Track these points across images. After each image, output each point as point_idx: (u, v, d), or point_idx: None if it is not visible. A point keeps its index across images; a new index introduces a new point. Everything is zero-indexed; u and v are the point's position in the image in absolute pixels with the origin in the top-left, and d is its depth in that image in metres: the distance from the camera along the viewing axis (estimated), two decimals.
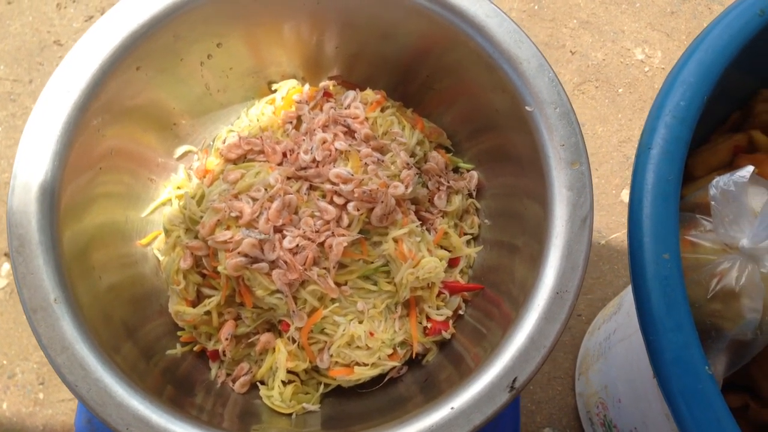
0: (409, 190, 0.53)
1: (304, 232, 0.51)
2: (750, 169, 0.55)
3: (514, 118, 0.52)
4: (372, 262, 0.52)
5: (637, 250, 0.53)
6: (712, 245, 0.57)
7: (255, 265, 0.51)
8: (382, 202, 0.51)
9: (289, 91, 0.60)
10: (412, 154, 0.56)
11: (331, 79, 0.60)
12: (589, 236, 0.48)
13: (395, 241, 0.52)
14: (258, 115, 0.59)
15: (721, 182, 0.55)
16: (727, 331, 0.57)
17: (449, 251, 0.55)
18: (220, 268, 0.52)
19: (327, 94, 0.58)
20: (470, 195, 0.58)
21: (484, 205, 0.58)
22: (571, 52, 1.18)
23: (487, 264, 0.56)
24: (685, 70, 0.58)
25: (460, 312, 0.55)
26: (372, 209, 0.51)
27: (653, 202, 0.54)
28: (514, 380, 0.44)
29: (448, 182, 0.56)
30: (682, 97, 0.57)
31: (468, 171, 0.59)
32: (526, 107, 0.51)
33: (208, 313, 0.54)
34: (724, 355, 0.58)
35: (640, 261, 0.53)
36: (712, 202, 0.55)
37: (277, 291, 0.51)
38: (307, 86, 0.60)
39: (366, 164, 0.52)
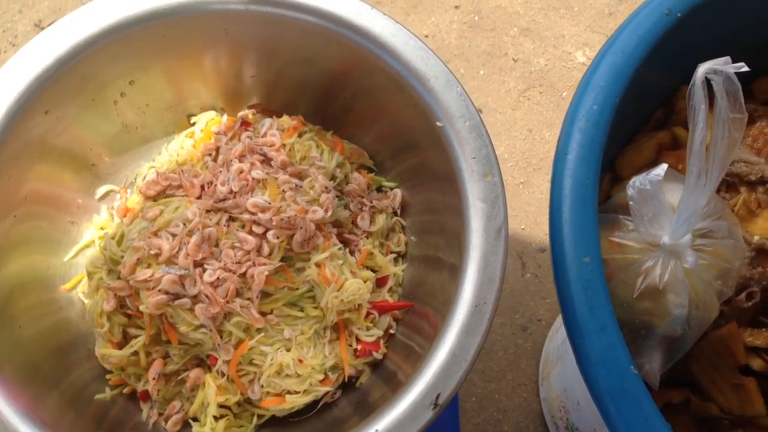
0: (329, 213, 0.53)
1: (225, 264, 0.51)
2: (664, 167, 0.56)
3: (427, 134, 0.53)
4: (297, 289, 0.52)
5: (558, 254, 0.54)
6: (635, 244, 0.57)
7: (177, 302, 0.50)
8: (302, 227, 0.51)
9: (208, 123, 0.60)
10: (333, 177, 0.57)
11: (250, 107, 0.61)
12: (505, 246, 0.48)
13: (318, 265, 0.52)
14: (177, 150, 0.59)
15: (637, 182, 0.56)
16: (657, 327, 0.57)
17: (376, 271, 0.56)
18: (141, 308, 0.52)
19: (245, 124, 0.58)
20: (395, 213, 0.58)
21: (410, 222, 0.59)
22: (513, 59, 1.20)
23: (416, 280, 0.56)
24: (596, 74, 0.59)
25: (391, 331, 0.55)
26: (292, 236, 0.52)
27: (572, 207, 0.55)
28: (437, 397, 0.44)
29: (371, 202, 0.56)
30: (594, 101, 0.58)
31: (392, 189, 0.59)
32: (437, 123, 0.51)
33: (135, 353, 0.53)
34: (658, 352, 0.59)
35: (562, 265, 0.53)
36: (631, 203, 0.56)
37: (202, 326, 0.51)
38: (225, 117, 0.60)
39: (284, 191, 0.53)
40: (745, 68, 0.50)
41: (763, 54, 0.72)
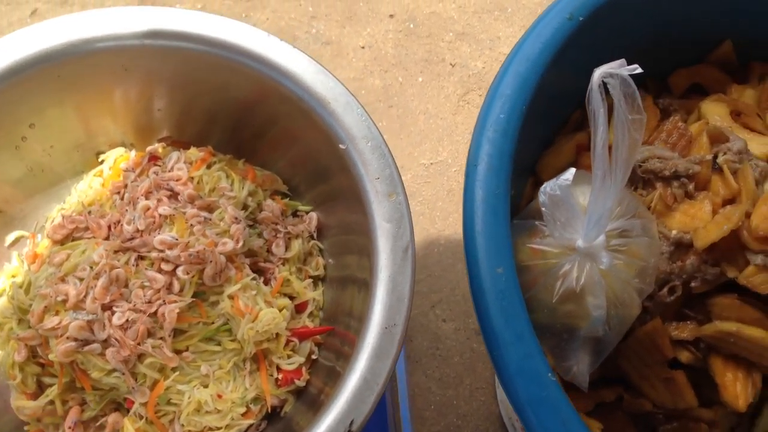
0: (240, 244, 0.52)
1: (135, 305, 0.50)
2: (572, 171, 0.56)
3: (334, 157, 0.52)
4: (212, 323, 0.52)
5: (472, 266, 0.54)
6: (553, 249, 0.58)
7: (87, 348, 0.50)
8: (211, 261, 0.51)
9: (117, 160, 0.59)
10: (244, 207, 0.56)
11: (160, 141, 0.60)
12: (413, 266, 0.48)
13: (231, 298, 0.51)
14: (86, 190, 0.59)
15: (548, 188, 0.56)
16: (580, 329, 0.58)
17: (294, 297, 0.55)
18: (51, 356, 0.51)
19: (154, 158, 0.58)
20: (312, 237, 0.58)
21: (327, 244, 0.59)
22: (451, 64, 1.20)
23: (336, 303, 0.56)
24: (503, 83, 0.59)
25: (314, 356, 0.54)
26: (203, 270, 0.51)
27: (483, 218, 0.55)
28: (351, 423, 0.44)
29: (286, 228, 0.56)
30: (501, 110, 0.58)
31: (307, 213, 0.59)
32: (340, 145, 0.51)
33: (51, 402, 0.53)
34: (584, 353, 0.59)
35: (477, 276, 0.53)
36: (543, 209, 0.56)
37: (114, 370, 0.50)
38: (133, 153, 0.59)
39: (192, 225, 0.52)
40: (639, 70, 0.51)
41: (677, 48, 0.73)
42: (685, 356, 0.61)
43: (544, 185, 0.56)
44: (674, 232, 0.62)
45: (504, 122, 0.57)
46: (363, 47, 1.20)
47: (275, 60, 0.52)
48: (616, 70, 0.51)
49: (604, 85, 0.52)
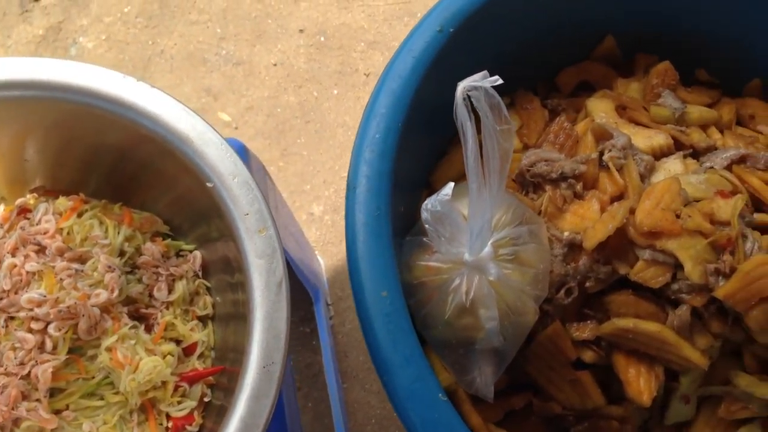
0: (115, 294, 0.51)
1: (6, 368, 0.49)
2: (451, 185, 0.56)
3: (205, 195, 0.51)
4: (93, 378, 0.50)
5: (357, 291, 0.53)
6: (443, 265, 0.57)
7: None
8: (84, 315, 0.49)
9: None
10: (121, 253, 0.55)
11: (32, 192, 0.58)
12: (288, 300, 0.47)
13: (109, 350, 0.50)
14: None
15: (429, 204, 0.55)
16: (478, 341, 0.57)
17: (181, 341, 0.54)
18: None
19: (24, 211, 0.56)
20: (197, 276, 0.57)
21: (213, 282, 0.57)
22: (365, 74, 1.20)
23: (226, 341, 0.55)
24: (377, 101, 0.59)
25: (206, 399, 0.53)
26: (77, 324, 0.49)
27: (365, 242, 0.54)
28: None
29: (168, 270, 0.55)
30: (376, 129, 0.57)
31: (191, 252, 0.58)
32: (207, 183, 0.50)
33: None
34: (485, 364, 0.59)
35: (362, 301, 0.53)
36: (426, 225, 0.55)
37: None
38: (2, 207, 0.57)
39: (62, 279, 0.51)
40: (499, 81, 0.50)
41: (562, 48, 0.73)
42: (588, 356, 0.62)
43: (425, 202, 0.56)
44: (566, 233, 0.62)
45: (380, 142, 0.57)
46: (275, 64, 1.19)
47: (133, 101, 0.51)
48: (478, 83, 0.51)
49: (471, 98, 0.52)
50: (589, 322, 0.62)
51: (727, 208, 0.59)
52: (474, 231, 0.54)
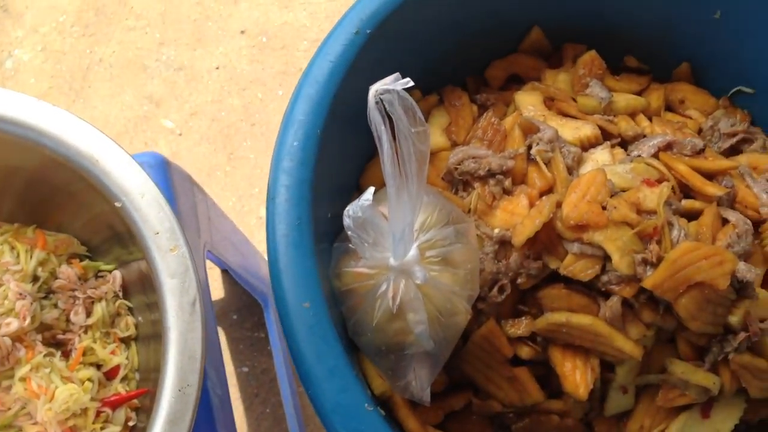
0: (27, 321, 0.50)
1: None
2: (371, 190, 0.55)
3: (113, 214, 0.50)
4: (9, 409, 0.49)
5: (280, 303, 0.52)
6: (369, 270, 0.56)
7: None
8: None
9: None
10: (35, 278, 0.53)
11: None
12: (202, 320, 0.46)
13: (23, 380, 0.48)
14: None
15: (350, 211, 0.55)
16: (410, 346, 0.57)
17: (102, 365, 0.53)
18: None
19: None
20: (118, 296, 0.56)
21: (135, 302, 0.56)
22: None
23: (149, 362, 0.54)
24: (295, 109, 0.58)
25: (131, 423, 0.52)
26: None
27: (286, 253, 0.53)
28: None
29: (86, 293, 0.53)
30: (294, 137, 0.56)
31: (110, 272, 0.56)
32: (116, 203, 0.49)
33: None
34: (420, 367, 0.58)
35: (285, 314, 0.52)
36: (349, 232, 0.54)
37: None
38: None
39: None
40: (411, 83, 0.50)
41: (489, 42, 0.73)
42: (525, 352, 0.61)
43: (347, 208, 0.55)
44: (496, 230, 0.61)
45: (299, 150, 0.56)
46: (217, 68, 1.17)
47: (34, 123, 0.49)
48: (390, 86, 0.50)
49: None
50: (523, 318, 0.62)
51: (653, 197, 0.59)
52: (396, 235, 0.53)
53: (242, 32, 1.19)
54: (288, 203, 0.54)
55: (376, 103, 0.50)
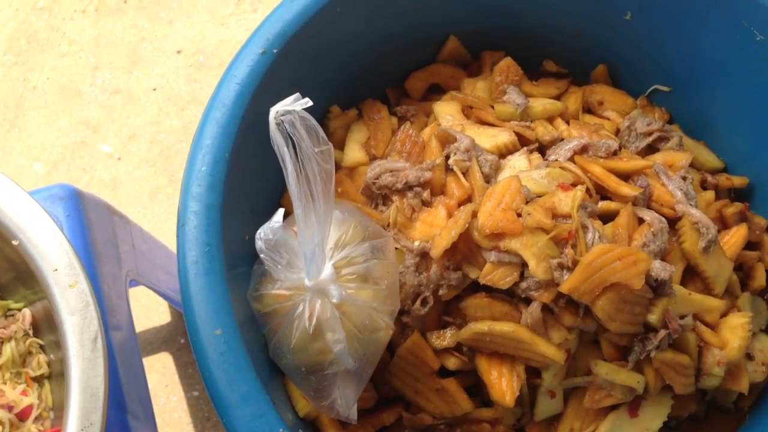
0: None
1: None
2: (281, 212, 0.55)
3: (16, 254, 0.49)
4: None
5: (192, 330, 0.52)
6: (287, 292, 0.56)
7: None
8: None
9: None
10: None
11: None
12: (104, 355, 0.45)
13: None
14: None
15: (262, 233, 0.54)
16: (327, 365, 0.56)
17: (13, 406, 0.52)
18: None
19: None
20: (28, 334, 0.54)
21: (47, 339, 0.55)
22: None
23: (63, 399, 0.53)
24: (203, 133, 0.57)
25: None
26: None
27: (196, 281, 0.53)
28: None
29: None
30: (203, 162, 0.56)
31: (20, 311, 0.55)
32: (13, 241, 0.48)
33: None
34: (343, 387, 0.58)
35: (197, 342, 0.51)
36: (262, 255, 0.54)
37: None
38: None
39: None
40: (309, 103, 0.49)
41: (407, 54, 0.73)
42: (452, 363, 0.61)
43: (258, 231, 0.55)
44: (417, 243, 0.61)
45: (207, 175, 0.55)
46: (155, 89, 1.16)
47: None
48: (290, 107, 0.50)
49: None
50: (449, 329, 0.62)
51: (568, 201, 0.60)
52: (307, 255, 0.53)
53: (178, 52, 1.18)
54: (197, 230, 0.53)
55: (278, 124, 0.50)
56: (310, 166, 0.51)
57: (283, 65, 0.60)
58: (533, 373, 0.61)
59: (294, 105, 0.50)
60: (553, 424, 0.63)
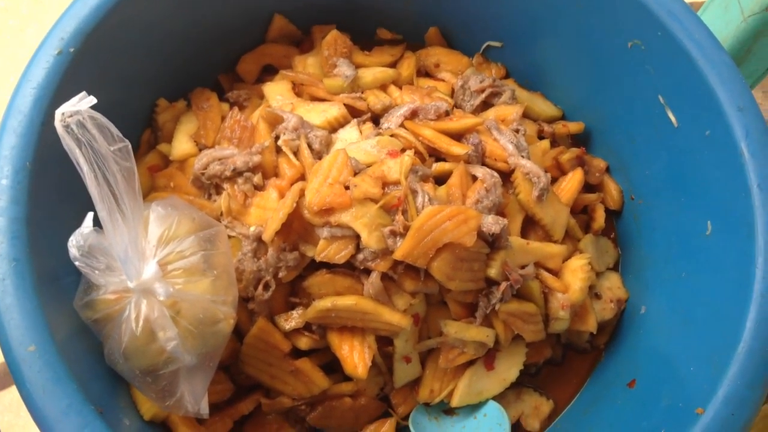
0: None
1: None
2: (90, 216, 0.53)
3: None
4: None
5: (5, 350, 0.50)
6: (112, 296, 0.54)
7: None
8: None
9: None
10: None
11: None
12: None
13: None
14: None
15: (73, 240, 0.52)
16: (166, 363, 0.55)
17: None
18: None
19: None
20: None
21: None
22: None
23: None
24: (1, 144, 0.54)
25: None
26: None
27: (3, 298, 0.51)
28: None
29: None
30: (2, 174, 0.53)
31: None
32: None
33: None
34: (189, 383, 0.57)
35: (12, 361, 0.49)
36: (76, 263, 0.52)
37: None
38: None
39: None
40: (93, 101, 0.48)
41: (237, 37, 0.71)
42: (303, 342, 0.61)
43: (70, 238, 0.53)
44: (252, 228, 0.61)
45: (8, 188, 0.53)
46: None
47: None
48: (75, 107, 0.48)
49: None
50: (296, 310, 0.61)
51: (397, 167, 0.60)
52: (120, 257, 0.51)
53: None
54: (1, 246, 0.51)
55: (66, 127, 0.48)
56: (107, 165, 0.49)
57: (84, 64, 0.57)
58: (387, 342, 0.61)
59: (79, 105, 0.48)
60: (415, 388, 0.64)
